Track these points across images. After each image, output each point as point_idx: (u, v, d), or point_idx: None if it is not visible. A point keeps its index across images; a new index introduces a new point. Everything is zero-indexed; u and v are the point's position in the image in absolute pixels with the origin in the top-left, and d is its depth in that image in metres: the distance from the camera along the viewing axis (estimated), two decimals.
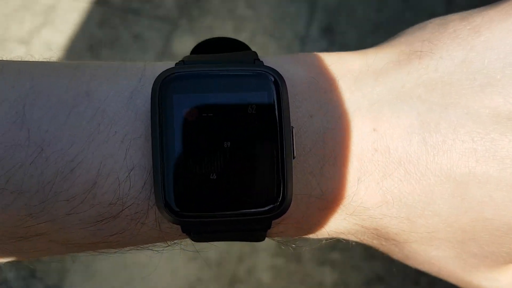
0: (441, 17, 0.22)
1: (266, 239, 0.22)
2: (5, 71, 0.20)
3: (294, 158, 0.20)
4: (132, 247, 0.22)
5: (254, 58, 0.21)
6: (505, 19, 0.20)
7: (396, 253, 0.24)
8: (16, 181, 0.19)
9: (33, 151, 0.19)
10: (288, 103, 0.20)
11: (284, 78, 0.20)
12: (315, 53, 0.22)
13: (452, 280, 0.24)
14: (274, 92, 0.20)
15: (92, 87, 0.20)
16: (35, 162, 0.19)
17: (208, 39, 0.23)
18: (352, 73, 0.21)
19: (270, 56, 0.22)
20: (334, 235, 0.23)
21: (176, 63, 0.21)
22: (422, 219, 0.21)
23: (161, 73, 0.20)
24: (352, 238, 0.24)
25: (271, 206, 0.20)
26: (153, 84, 0.20)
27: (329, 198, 0.21)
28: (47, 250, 0.22)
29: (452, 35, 0.20)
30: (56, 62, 0.22)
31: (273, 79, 0.20)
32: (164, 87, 0.20)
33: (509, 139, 0.19)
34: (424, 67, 0.20)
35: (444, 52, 0.20)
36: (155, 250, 0.23)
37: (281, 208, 0.20)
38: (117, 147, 0.20)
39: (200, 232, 0.21)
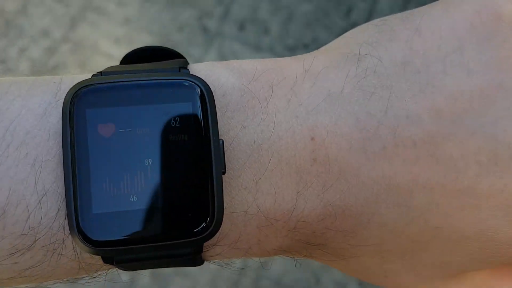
0: (382, 18, 0.20)
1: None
2: None
3: (224, 173, 0.18)
4: (56, 280, 0.20)
5: (180, 67, 0.20)
6: (445, 15, 0.19)
7: (350, 270, 0.22)
8: None
9: None
10: (215, 113, 0.18)
11: (215, 87, 0.19)
12: (250, 60, 0.21)
13: None
14: (200, 103, 0.18)
15: (2, 105, 0.19)
16: None
17: (138, 49, 0.21)
18: (289, 79, 0.20)
19: (200, 64, 0.21)
20: (277, 254, 0.21)
21: (93, 75, 0.20)
22: (368, 231, 0.19)
23: (73, 86, 0.18)
24: (298, 256, 0.22)
25: (200, 227, 0.18)
26: (65, 98, 0.18)
27: (267, 215, 0.19)
28: None
29: (392, 36, 0.19)
30: None
31: (198, 89, 0.19)
32: (77, 101, 0.18)
33: (453, 142, 0.18)
34: (362, 70, 0.19)
35: (383, 54, 0.19)
36: (81, 283, 0.21)
37: (210, 229, 0.18)
38: (28, 170, 0.18)
39: (123, 261, 0.19)
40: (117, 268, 0.20)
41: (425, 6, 0.20)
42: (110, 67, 0.21)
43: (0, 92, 0.19)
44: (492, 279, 0.22)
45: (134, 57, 0.21)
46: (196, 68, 0.20)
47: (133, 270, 0.20)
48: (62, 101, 0.19)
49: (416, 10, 0.20)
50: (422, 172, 0.18)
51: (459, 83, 0.18)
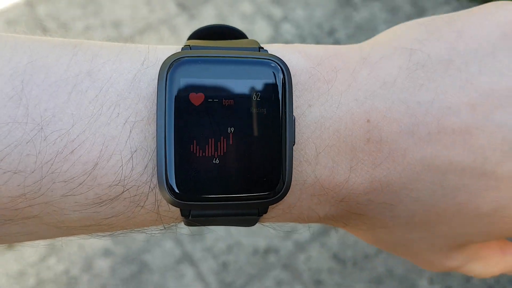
0: (428, 18, 0.23)
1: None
2: (1, 44, 0.20)
3: (294, 144, 0.20)
4: (123, 230, 0.22)
5: (258, 47, 0.22)
6: (483, 23, 0.22)
7: (376, 240, 0.25)
8: (11, 160, 0.19)
9: (31, 129, 0.19)
10: (292, 92, 0.20)
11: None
12: (314, 45, 0.23)
13: (414, 260, 0.26)
14: (279, 81, 0.20)
15: (95, 66, 0.20)
16: (33, 141, 0.19)
17: (207, 26, 0.23)
18: (349, 65, 0.22)
19: (271, 45, 0.23)
20: (323, 221, 0.24)
21: (182, 48, 0.21)
22: (404, 205, 0.22)
23: (170, 56, 0.20)
24: (338, 224, 0.24)
25: (271, 191, 0.20)
26: (161, 67, 0.20)
27: (322, 185, 0.21)
28: (34, 234, 0.21)
29: (438, 36, 0.22)
30: (54, 38, 0.21)
31: (279, 68, 0.20)
32: (172, 71, 0.20)
33: (483, 132, 0.21)
34: (414, 64, 0.21)
35: (431, 51, 0.22)
36: (148, 233, 0.23)
37: (279, 194, 0.20)
38: (119, 129, 0.19)
39: (199, 215, 0.21)
40: (183, 222, 0.22)
41: (465, 11, 0.23)
42: (192, 41, 0.22)
43: (92, 54, 0.20)
44: (482, 248, 0.26)
45: (202, 33, 0.23)
46: (270, 49, 0.22)
47: (200, 225, 0.22)
48: (149, 68, 0.20)
49: (458, 14, 0.23)
50: (457, 156, 0.21)
51: (491, 83, 0.21)
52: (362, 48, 0.23)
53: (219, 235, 0.84)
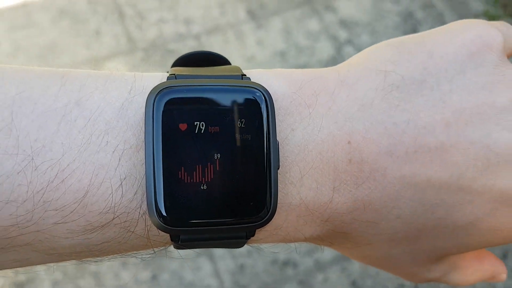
0: (398, 40, 0.24)
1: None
2: None
3: (278, 168, 0.21)
4: (114, 255, 0.23)
5: (241, 74, 0.22)
6: (450, 42, 0.23)
7: (360, 256, 0.26)
8: (3, 190, 0.19)
9: (22, 160, 0.19)
10: (274, 118, 0.21)
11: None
12: (294, 69, 0.24)
13: (397, 273, 0.26)
14: (263, 108, 0.21)
15: (83, 96, 0.20)
16: (24, 171, 0.19)
17: (190, 53, 0.24)
18: (328, 88, 0.22)
19: (252, 71, 0.23)
20: (309, 241, 0.24)
21: (167, 77, 0.22)
22: (386, 222, 0.23)
23: (156, 86, 0.21)
24: (324, 243, 0.25)
25: (257, 215, 0.21)
26: (148, 96, 0.20)
27: (307, 206, 0.22)
28: (25, 261, 0.22)
29: (410, 58, 0.23)
30: (42, 68, 0.21)
31: (261, 95, 0.21)
32: (159, 100, 0.20)
33: (457, 149, 0.22)
34: (389, 85, 0.22)
35: (404, 72, 0.23)
36: (138, 257, 0.23)
37: (266, 217, 0.21)
38: (109, 157, 0.20)
39: (187, 239, 0.21)
40: (173, 246, 0.22)
41: (432, 31, 0.24)
42: (176, 68, 0.23)
43: (79, 84, 0.21)
44: (460, 259, 0.27)
45: (187, 59, 0.24)
46: (253, 76, 0.23)
47: (190, 248, 0.22)
48: (136, 97, 0.21)
49: (426, 34, 0.24)
50: (434, 173, 0.22)
51: (462, 101, 0.22)
52: (339, 70, 0.23)
53: None
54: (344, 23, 1.04)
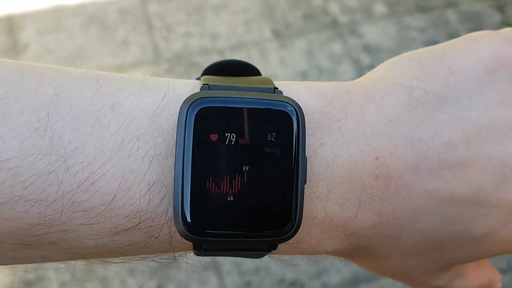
0: (417, 53, 0.24)
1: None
2: (26, 75, 0.20)
3: (305, 183, 0.21)
4: (135, 256, 0.23)
5: (273, 88, 0.23)
6: (468, 58, 0.23)
7: (379, 269, 0.26)
8: (34, 189, 0.19)
9: (55, 160, 0.19)
10: (305, 134, 0.21)
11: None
12: (322, 82, 0.24)
13: (407, 282, 0.27)
14: (294, 122, 0.21)
15: (117, 101, 0.21)
16: (56, 172, 0.19)
17: (221, 61, 0.24)
18: (357, 103, 0.23)
19: (283, 82, 0.23)
20: (330, 254, 0.24)
21: (201, 87, 0.22)
22: (407, 236, 0.23)
23: (190, 96, 0.21)
24: (344, 257, 0.25)
25: (281, 229, 0.21)
26: (181, 106, 0.21)
27: (332, 221, 0.22)
28: (49, 258, 0.22)
29: (432, 73, 0.23)
30: (78, 70, 0.22)
31: (293, 110, 0.21)
32: (192, 110, 0.20)
33: (477, 164, 0.22)
34: (414, 101, 0.23)
35: (428, 88, 0.23)
36: (157, 261, 0.24)
37: (291, 232, 0.21)
38: (139, 162, 0.20)
39: (210, 249, 0.22)
40: (194, 253, 0.22)
41: (450, 44, 0.24)
42: (208, 78, 0.23)
43: (114, 88, 0.21)
44: (462, 266, 0.27)
45: (218, 67, 0.24)
46: (283, 87, 0.23)
47: (212, 256, 0.23)
48: (169, 104, 0.21)
49: (445, 47, 0.24)
50: (456, 188, 0.22)
51: (480, 117, 0.22)
52: (366, 85, 0.23)
53: None
54: (368, 48, 1.05)
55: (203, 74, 0.24)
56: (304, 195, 0.21)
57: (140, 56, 1.00)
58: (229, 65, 0.24)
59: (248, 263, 0.84)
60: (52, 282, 0.81)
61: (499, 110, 0.22)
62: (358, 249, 0.24)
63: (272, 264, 0.84)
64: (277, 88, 0.23)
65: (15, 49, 0.99)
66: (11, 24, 1.02)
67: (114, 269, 0.82)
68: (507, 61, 0.23)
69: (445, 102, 0.22)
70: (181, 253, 0.23)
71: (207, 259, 0.85)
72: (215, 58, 1.00)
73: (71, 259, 0.23)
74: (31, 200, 0.19)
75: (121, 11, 1.05)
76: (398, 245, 0.23)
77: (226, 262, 0.84)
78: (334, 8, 1.06)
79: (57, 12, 1.03)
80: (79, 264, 0.22)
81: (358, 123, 0.22)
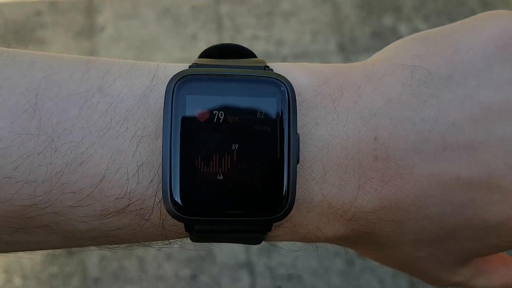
0: (424, 33, 0.24)
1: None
2: (17, 60, 0.20)
3: (298, 163, 0.20)
4: (130, 243, 0.23)
5: (264, 66, 0.22)
6: (476, 36, 0.22)
7: (385, 259, 0.26)
8: (24, 170, 0.19)
9: (43, 141, 0.19)
10: (295, 111, 0.20)
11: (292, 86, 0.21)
12: (318, 63, 0.23)
13: (423, 277, 0.26)
14: (284, 99, 0.20)
15: (106, 82, 0.21)
16: (44, 152, 0.19)
17: (216, 45, 0.24)
18: (354, 83, 0.22)
19: (277, 63, 0.23)
20: (332, 242, 0.24)
21: (189, 66, 0.22)
22: (413, 222, 0.22)
23: (176, 74, 0.21)
24: (347, 245, 0.25)
25: (273, 208, 0.20)
26: (168, 84, 0.20)
27: (329, 204, 0.21)
28: (45, 243, 0.22)
29: (436, 51, 0.22)
30: (70, 56, 0.22)
31: (283, 87, 0.21)
32: (178, 88, 0.20)
33: (487, 146, 0.21)
34: (416, 81, 0.22)
35: (430, 67, 0.22)
36: (154, 247, 0.23)
37: (283, 211, 0.20)
38: (127, 143, 0.20)
39: (202, 231, 0.21)
40: (189, 238, 0.22)
41: (458, 24, 0.23)
42: (199, 59, 0.23)
43: (103, 70, 0.21)
44: (484, 263, 0.26)
45: (212, 51, 0.24)
46: (276, 68, 0.22)
47: (204, 241, 0.22)
48: (159, 85, 0.21)
49: (451, 28, 0.23)
50: (463, 171, 0.21)
51: (489, 97, 0.21)
52: (365, 66, 0.23)
53: (285, 260, 0.86)
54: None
55: (198, 58, 0.24)
56: (299, 176, 0.21)
57: None
58: (224, 49, 0.24)
59: (283, 269, 0.85)
60: (93, 254, 0.84)
61: (510, 90, 0.21)
62: (361, 235, 0.23)
63: (306, 273, 0.84)
64: (268, 67, 0.22)
65: (91, 31, 1.04)
66: (91, 5, 1.07)
67: (152, 252, 0.85)
68: None
69: (450, 82, 0.21)
70: (177, 239, 0.23)
71: (242, 256, 0.86)
72: None
73: (67, 246, 0.23)
74: (21, 181, 0.19)
75: (194, 8, 1.08)
76: (404, 232, 0.22)
77: (261, 263, 0.85)
78: (403, 29, 1.05)
79: (134, 0, 1.08)
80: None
81: (355, 103, 0.21)
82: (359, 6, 1.08)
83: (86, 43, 1.02)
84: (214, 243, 0.23)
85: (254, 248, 0.86)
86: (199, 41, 1.04)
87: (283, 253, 0.83)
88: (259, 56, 0.24)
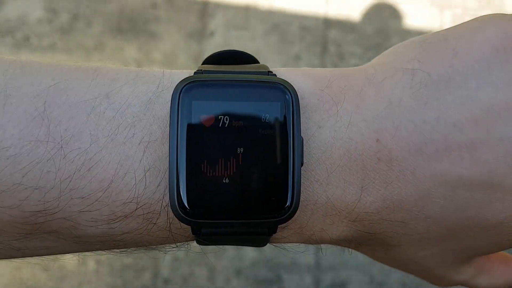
0: (422, 37, 0.24)
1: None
2: (26, 68, 0.21)
3: (302, 165, 0.21)
4: (137, 247, 0.23)
5: (267, 71, 0.23)
6: (474, 39, 0.22)
7: (388, 259, 0.26)
8: (33, 176, 0.20)
9: (51, 147, 0.20)
10: (299, 114, 0.21)
11: (295, 90, 0.21)
12: (320, 68, 0.24)
13: (425, 276, 0.26)
14: (287, 104, 0.21)
15: (113, 89, 0.21)
16: (53, 159, 0.20)
17: (220, 52, 0.25)
18: (355, 87, 0.22)
19: (280, 69, 0.23)
20: (335, 242, 0.24)
21: (194, 72, 0.22)
22: (416, 222, 0.22)
23: (182, 80, 0.21)
24: (351, 246, 0.25)
25: (279, 211, 0.21)
26: (174, 90, 0.21)
27: (334, 205, 0.22)
28: (53, 248, 0.22)
29: (435, 55, 0.23)
30: (76, 64, 0.22)
31: (286, 91, 0.21)
32: (184, 94, 0.21)
33: (487, 146, 0.21)
34: (417, 83, 0.22)
35: (430, 70, 0.22)
36: (161, 251, 0.24)
37: (288, 213, 0.21)
38: (134, 148, 0.21)
39: (209, 233, 0.22)
40: (195, 241, 0.23)
41: (456, 28, 0.23)
42: (204, 66, 0.23)
43: (109, 78, 0.22)
44: (486, 262, 0.26)
45: (216, 58, 0.24)
46: (279, 73, 0.23)
47: (211, 244, 0.23)
48: (164, 91, 0.21)
49: (450, 31, 0.23)
50: (465, 171, 0.21)
51: (489, 97, 0.21)
52: (366, 70, 0.23)
53: None
54: None
55: (201, 65, 0.24)
56: (304, 178, 0.21)
57: None
58: (227, 56, 0.24)
59: None
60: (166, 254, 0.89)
61: (509, 91, 0.21)
62: (365, 236, 0.23)
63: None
64: (271, 72, 0.23)
65: (201, 34, 1.08)
66: (205, 9, 1.10)
67: (223, 263, 0.88)
68: None
69: (450, 84, 0.22)
70: (184, 242, 0.23)
71: (309, 282, 0.88)
72: None
73: (75, 250, 0.23)
74: (30, 187, 0.20)
75: (304, 28, 1.09)
76: (408, 232, 0.23)
77: None
78: None
79: (247, 11, 1.10)
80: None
81: (357, 106, 0.22)
82: None
83: (195, 45, 1.06)
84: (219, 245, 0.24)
85: (322, 275, 0.87)
86: (301, 62, 1.05)
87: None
88: None
